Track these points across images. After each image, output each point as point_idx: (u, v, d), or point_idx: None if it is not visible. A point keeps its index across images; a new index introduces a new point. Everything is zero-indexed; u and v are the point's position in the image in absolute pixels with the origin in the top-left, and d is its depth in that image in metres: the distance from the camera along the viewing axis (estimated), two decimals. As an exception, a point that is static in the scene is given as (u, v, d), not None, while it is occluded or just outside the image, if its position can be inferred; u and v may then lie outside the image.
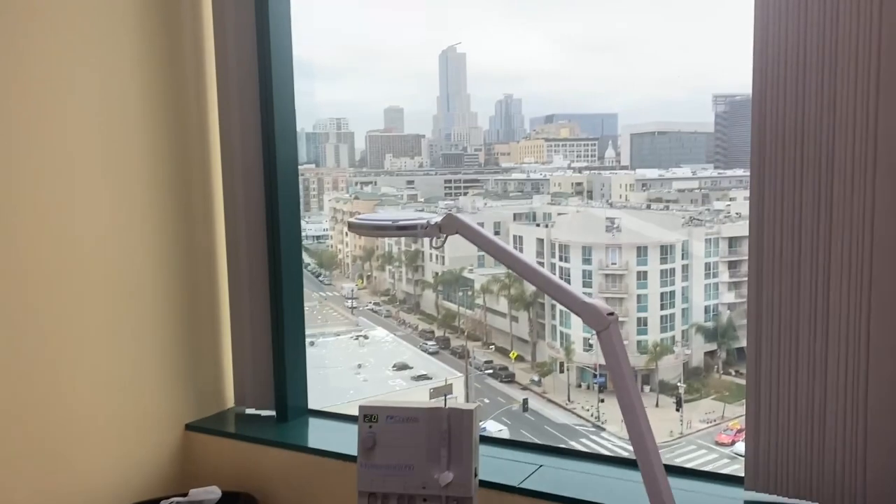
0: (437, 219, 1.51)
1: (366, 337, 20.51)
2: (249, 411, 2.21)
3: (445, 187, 28.14)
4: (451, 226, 1.49)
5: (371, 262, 24.67)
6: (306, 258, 25.98)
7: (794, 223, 1.46)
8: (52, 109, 1.78)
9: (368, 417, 1.42)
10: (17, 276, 1.72)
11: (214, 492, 1.91)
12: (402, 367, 18.96)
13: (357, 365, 18.73)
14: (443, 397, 1.77)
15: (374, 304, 24.10)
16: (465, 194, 26.98)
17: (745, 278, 1.59)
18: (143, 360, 2.01)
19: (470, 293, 22.93)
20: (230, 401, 2.24)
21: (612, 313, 1.29)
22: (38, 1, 1.75)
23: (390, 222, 1.58)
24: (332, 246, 24.51)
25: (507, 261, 1.41)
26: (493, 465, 1.74)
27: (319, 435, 2.06)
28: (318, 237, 25.85)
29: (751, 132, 1.51)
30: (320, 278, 24.97)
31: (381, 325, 22.06)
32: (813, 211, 1.44)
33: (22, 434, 1.74)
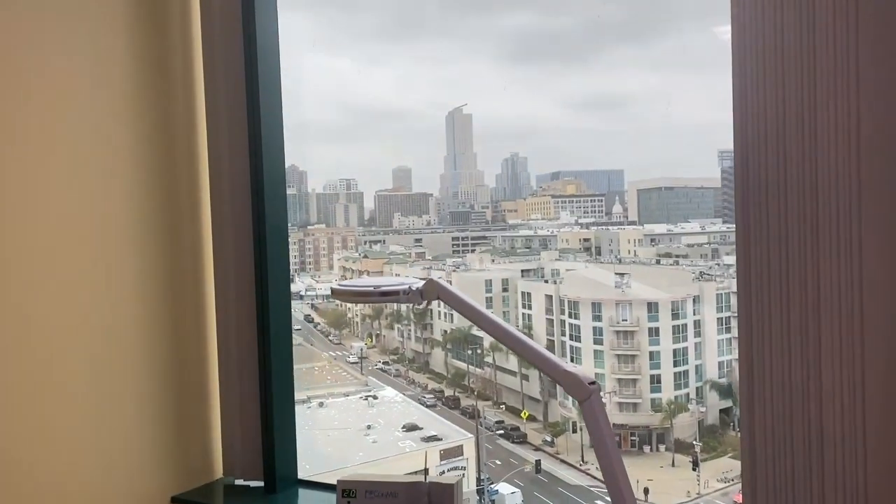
0: (418, 284, 1.50)
1: (375, 397, 20.28)
2: (238, 482, 2.16)
3: (453, 245, 28.23)
4: (432, 291, 1.47)
5: (380, 320, 24.59)
6: (316, 317, 25.91)
7: (782, 276, 1.44)
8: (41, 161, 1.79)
9: (347, 493, 1.37)
10: (-2, 348, 1.70)
11: (197, 569, 1.84)
12: (411, 427, 18.68)
13: (366, 426, 18.48)
14: (423, 471, 1.74)
15: (384, 363, 23.90)
16: (473, 251, 27.02)
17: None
18: (127, 430, 1.97)
19: (479, 351, 22.72)
20: (219, 471, 2.19)
21: (593, 382, 1.26)
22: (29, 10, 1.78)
23: (372, 288, 1.57)
24: (341, 305, 24.46)
25: (487, 327, 1.39)
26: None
27: (308, 507, 2.01)
28: (327, 296, 25.86)
29: (734, 192, 1.51)
30: (330, 337, 24.85)
31: (391, 385, 21.83)
32: (800, 266, 1.42)
33: (-1, 510, 1.69)
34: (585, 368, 21.14)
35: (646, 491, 17.52)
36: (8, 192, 1.73)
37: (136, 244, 2.00)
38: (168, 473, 2.05)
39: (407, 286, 1.51)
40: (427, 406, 20.41)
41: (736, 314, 1.41)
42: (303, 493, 2.08)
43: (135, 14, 1.98)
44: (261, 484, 2.09)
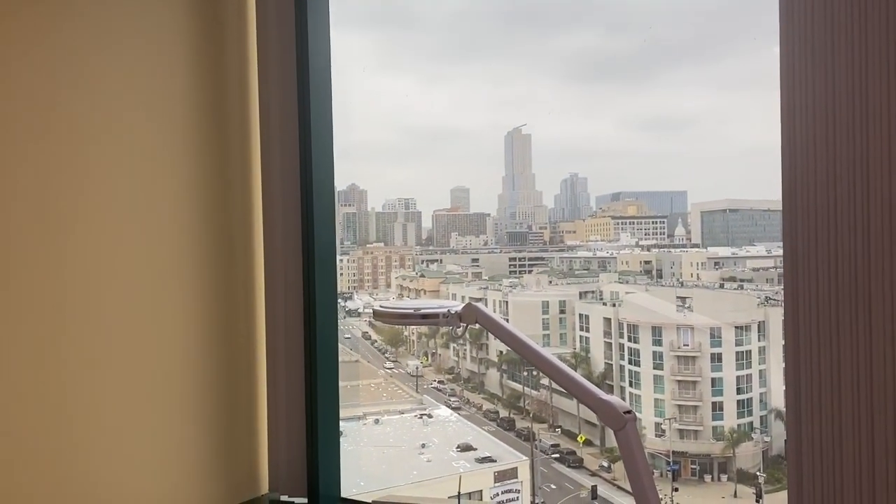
0: (457, 308, 1.52)
1: (430, 416, 20.28)
2: (283, 498, 2.19)
3: (510, 265, 28.12)
4: (470, 315, 1.48)
5: (436, 339, 24.64)
6: (373, 334, 26.12)
7: (830, 299, 1.39)
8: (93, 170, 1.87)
9: (381, 514, 1.38)
10: (48, 353, 1.77)
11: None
12: (465, 448, 18.58)
13: (421, 445, 18.46)
14: (456, 494, 1.70)
15: (439, 382, 23.89)
16: (530, 272, 26.85)
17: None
18: (177, 444, 2.03)
19: (535, 373, 22.50)
20: (265, 487, 2.23)
21: (629, 411, 1.24)
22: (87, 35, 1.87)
23: (413, 310, 1.59)
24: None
25: (524, 352, 1.39)
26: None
27: (349, 526, 2.02)
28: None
29: (782, 218, 1.47)
30: (386, 355, 25.00)
31: (445, 405, 21.79)
32: (850, 293, 1.37)
33: (53, 517, 1.76)
34: (645, 394, 20.68)
35: None
36: (72, 201, 1.82)
37: (190, 262, 2.07)
38: (215, 488, 2.10)
39: (446, 309, 1.53)
40: (452, 408, 20.35)
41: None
42: (352, 514, 2.10)
43: (194, 32, 2.06)
44: (304, 501, 2.12)
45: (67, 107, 1.83)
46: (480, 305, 1.49)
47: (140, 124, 1.97)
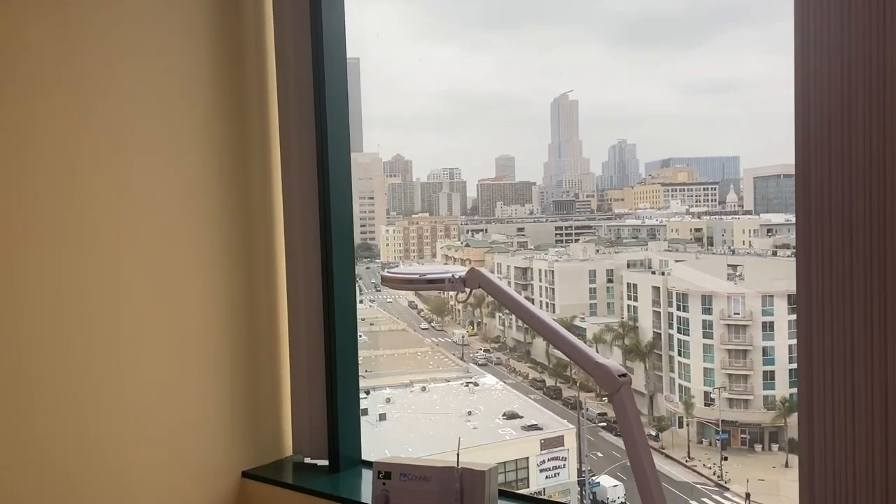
0: (461, 273, 1.52)
1: (476, 384, 20.44)
2: (306, 460, 2.25)
3: (556, 234, 27.91)
4: (474, 280, 1.48)
5: (481, 308, 24.69)
6: (420, 304, 26.36)
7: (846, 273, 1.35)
8: (115, 150, 1.92)
9: (382, 474, 1.41)
10: (76, 323, 1.84)
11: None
12: (511, 415, 18.70)
13: (467, 412, 18.66)
14: (455, 456, 1.73)
15: (485, 350, 24.01)
16: (577, 241, 26.61)
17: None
18: (206, 408, 2.10)
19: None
20: (288, 450, 2.29)
21: (624, 375, 1.23)
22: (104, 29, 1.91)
23: (418, 276, 1.60)
24: (443, 292, 24.75)
25: (524, 316, 1.39)
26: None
27: (368, 488, 2.06)
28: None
29: (795, 185, 1.42)
30: (432, 324, 25.21)
31: (491, 373, 21.92)
32: (865, 262, 1.33)
33: (81, 476, 1.84)
34: (694, 363, 20.43)
35: (747, 496, 16.74)
36: (108, 188, 1.88)
37: (215, 236, 2.11)
38: (241, 449, 2.17)
39: (451, 274, 1.53)
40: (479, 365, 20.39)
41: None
42: (365, 473, 2.15)
43: (213, 12, 2.08)
44: (326, 463, 2.17)
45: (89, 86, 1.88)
46: (483, 270, 1.49)
47: (165, 97, 2.01)
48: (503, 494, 1.91)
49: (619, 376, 1.22)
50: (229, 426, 2.15)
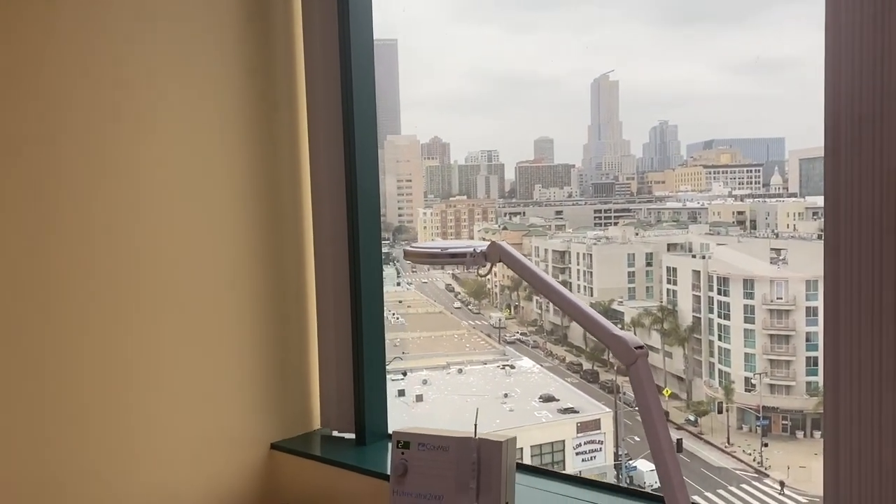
0: (482, 247, 1.51)
1: (512, 367, 20.48)
2: (334, 433, 2.29)
3: (595, 217, 27.69)
4: (494, 254, 1.48)
5: (519, 291, 24.65)
6: (457, 287, 26.43)
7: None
8: (146, 131, 1.95)
9: (401, 444, 1.43)
10: (108, 297, 1.89)
11: (290, 511, 1.99)
12: (548, 398, 18.70)
13: (503, 394, 18.73)
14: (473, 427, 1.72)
15: (522, 334, 24.02)
16: (616, 224, 26.37)
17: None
18: (236, 381, 2.14)
19: (620, 326, 22.23)
20: (317, 423, 2.32)
21: (640, 347, 1.23)
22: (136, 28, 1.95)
23: (440, 250, 1.60)
24: (481, 275, 24.74)
25: (543, 290, 1.39)
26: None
27: (394, 461, 2.09)
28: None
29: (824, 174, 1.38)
30: (469, 307, 25.30)
31: (528, 356, 21.93)
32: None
33: (113, 446, 1.90)
34: (734, 347, 20.12)
35: (781, 484, 16.48)
36: (142, 168, 1.92)
37: (242, 201, 2.14)
38: (270, 422, 2.21)
39: (472, 248, 1.52)
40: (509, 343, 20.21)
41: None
42: (391, 447, 2.17)
43: (242, 18, 2.12)
44: (353, 436, 2.20)
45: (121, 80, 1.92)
46: (504, 244, 1.49)
47: (195, 83, 2.04)
48: (528, 469, 1.92)
49: (635, 348, 1.21)
50: (259, 400, 2.20)
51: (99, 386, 1.87)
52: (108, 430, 1.89)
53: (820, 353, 18.66)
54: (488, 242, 1.51)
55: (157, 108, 1.97)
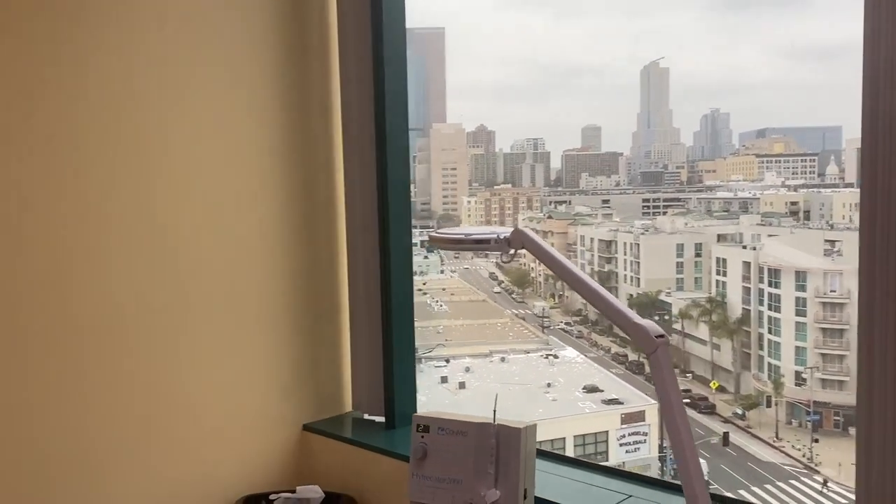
0: (506, 233, 1.51)
1: (556, 356, 20.37)
2: (366, 416, 2.32)
3: (643, 206, 27.26)
4: (518, 240, 1.47)
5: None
6: (500, 276, 26.37)
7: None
8: (177, 119, 2.00)
9: (421, 427, 1.44)
10: (147, 283, 1.95)
11: (317, 491, 2.02)
12: (592, 389, 18.55)
13: (546, 384, 18.66)
14: (492, 413, 1.73)
15: (566, 323, 23.85)
16: (664, 213, 25.93)
17: None
18: (270, 363, 2.19)
19: (667, 318, 21.91)
20: (348, 405, 2.36)
21: (661, 335, 1.21)
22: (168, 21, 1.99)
23: (464, 236, 1.60)
24: (525, 264, 24.68)
25: (567, 278, 1.38)
26: (579, 490, 1.69)
27: (422, 445, 2.11)
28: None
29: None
30: (513, 296, 25.23)
31: (572, 346, 21.78)
32: None
33: (154, 426, 1.96)
34: (785, 341, 19.63)
35: (825, 482, 16.05)
36: (178, 156, 1.97)
37: (280, 198, 2.18)
38: (303, 403, 2.25)
39: (496, 234, 1.52)
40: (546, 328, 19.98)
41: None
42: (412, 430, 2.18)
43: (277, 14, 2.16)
44: (382, 419, 2.23)
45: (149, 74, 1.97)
46: (527, 230, 1.48)
47: (228, 77, 2.07)
48: (548, 456, 1.92)
49: (656, 337, 1.20)
50: (292, 382, 2.24)
51: (143, 371, 1.94)
52: (151, 411, 1.95)
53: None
54: (512, 229, 1.51)
55: (188, 102, 2.02)
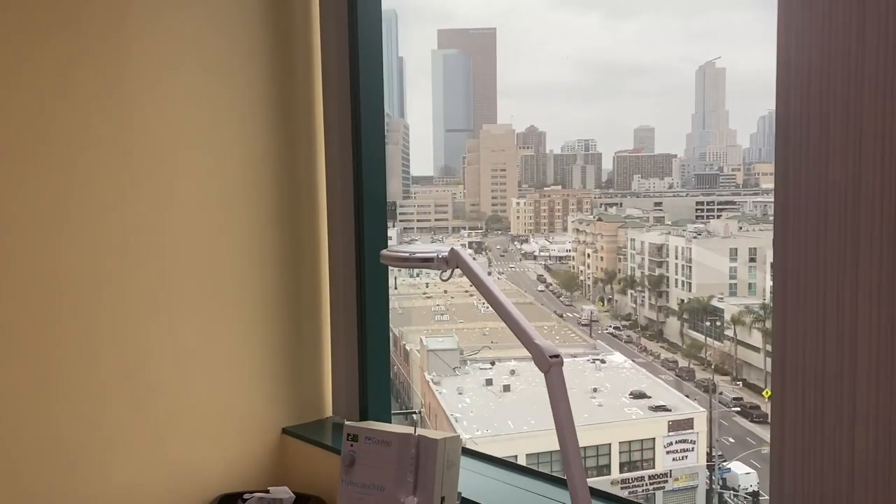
0: (444, 252, 1.58)
1: (603, 361, 20.16)
2: (346, 422, 2.40)
3: (697, 209, 26.73)
4: (453, 260, 1.54)
5: (612, 284, 24.20)
6: (548, 278, 26.25)
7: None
8: (159, 116, 2.10)
9: (351, 437, 1.52)
10: (128, 284, 2.05)
11: (287, 492, 2.12)
12: (639, 395, 18.30)
13: (592, 389, 18.49)
14: (414, 425, 1.80)
15: (614, 328, 23.59)
16: (719, 217, 25.37)
17: None
18: (256, 373, 2.28)
19: (719, 323, 21.45)
20: (328, 411, 2.45)
21: (555, 356, 1.27)
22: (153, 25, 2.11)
23: (409, 254, 1.67)
24: (573, 267, 24.48)
25: (489, 300, 1.44)
26: (520, 498, 1.76)
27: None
28: (560, 258, 25.96)
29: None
30: (561, 299, 25.08)
31: (620, 351, 21.53)
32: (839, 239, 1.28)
33: (134, 425, 2.07)
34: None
35: None
36: (160, 157, 2.08)
37: (263, 206, 2.28)
38: (282, 407, 2.34)
39: (437, 254, 1.59)
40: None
41: None
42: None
43: (263, 11, 2.26)
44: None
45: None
46: (461, 251, 1.55)
47: (212, 77, 2.17)
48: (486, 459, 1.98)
49: (550, 357, 1.25)
50: (272, 386, 2.33)
51: (121, 371, 2.04)
52: (132, 410, 2.06)
53: None
54: (449, 249, 1.58)
55: (174, 102, 2.11)
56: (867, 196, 1.23)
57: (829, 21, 1.28)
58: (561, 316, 22.99)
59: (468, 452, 1.97)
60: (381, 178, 2.31)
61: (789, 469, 1.37)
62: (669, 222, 25.42)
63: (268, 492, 2.15)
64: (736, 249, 23.42)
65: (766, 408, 19.91)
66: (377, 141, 2.30)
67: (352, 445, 1.50)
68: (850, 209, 1.25)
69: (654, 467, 17.42)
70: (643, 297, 23.91)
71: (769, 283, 21.63)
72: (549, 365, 1.25)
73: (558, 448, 1.26)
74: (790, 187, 1.34)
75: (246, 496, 2.14)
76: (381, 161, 2.31)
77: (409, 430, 1.48)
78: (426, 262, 1.62)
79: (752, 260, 23.28)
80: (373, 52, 2.27)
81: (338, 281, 2.36)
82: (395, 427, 1.50)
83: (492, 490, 1.81)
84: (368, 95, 2.25)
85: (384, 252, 1.71)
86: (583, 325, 22.92)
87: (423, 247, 1.70)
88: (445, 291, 22.06)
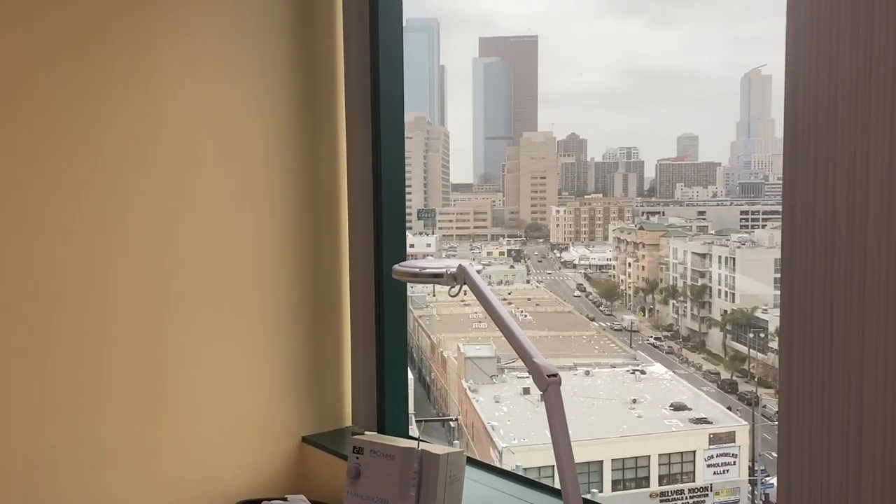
0: (452, 269, 1.60)
1: (643, 372, 19.88)
2: (367, 433, 2.43)
3: (741, 219, 26.21)
4: (461, 276, 1.56)
5: (654, 294, 23.87)
6: (588, 287, 26.01)
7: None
8: (183, 125, 2.13)
9: (356, 449, 1.54)
10: (154, 292, 2.10)
11: (303, 500, 2.15)
12: (679, 407, 18.00)
13: (631, 400, 18.24)
14: (417, 441, 1.79)
15: (655, 338, 23.25)
16: (764, 226, 24.83)
17: None
18: (277, 383, 2.32)
19: (763, 335, 20.98)
20: (348, 420, 2.48)
21: (553, 375, 1.27)
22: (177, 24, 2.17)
23: (419, 269, 1.70)
24: (614, 276, 24.21)
25: (494, 318, 1.46)
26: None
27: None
28: (600, 266, 25.71)
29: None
30: (601, 308, 24.83)
31: (661, 362, 21.20)
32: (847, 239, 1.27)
33: (156, 429, 2.13)
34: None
35: None
36: (179, 156, 2.13)
37: (283, 213, 2.32)
38: (302, 416, 2.38)
39: (446, 269, 1.62)
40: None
41: None
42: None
43: (287, 21, 2.30)
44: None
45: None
46: (468, 268, 1.56)
47: (236, 80, 2.21)
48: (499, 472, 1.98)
49: (548, 376, 1.26)
50: (293, 394, 2.37)
51: (144, 379, 2.09)
52: (155, 415, 2.12)
53: None
54: (457, 265, 1.60)
55: (198, 111, 2.16)
56: (874, 196, 1.21)
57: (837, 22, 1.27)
58: (600, 324, 22.75)
59: (473, 462, 1.98)
60: (400, 192, 2.34)
61: (796, 476, 1.34)
62: (713, 231, 24.98)
63: (286, 499, 2.19)
64: (779, 259, 22.81)
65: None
66: (398, 157, 2.34)
67: (357, 458, 1.52)
68: (858, 210, 1.23)
69: (693, 480, 17.10)
70: (685, 307, 23.53)
71: (816, 294, 21.06)
72: (547, 384, 1.25)
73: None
74: (797, 187, 1.32)
75: (264, 503, 2.18)
76: (401, 177, 2.35)
77: (413, 444, 1.49)
78: (436, 277, 1.64)
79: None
80: (394, 67, 2.30)
81: (358, 293, 2.39)
82: (399, 441, 1.52)
83: (496, 502, 1.82)
84: (389, 109, 2.29)
85: (395, 267, 1.74)
86: (615, 329, 22.62)
87: (433, 262, 1.72)
88: (483, 299, 21.93)
